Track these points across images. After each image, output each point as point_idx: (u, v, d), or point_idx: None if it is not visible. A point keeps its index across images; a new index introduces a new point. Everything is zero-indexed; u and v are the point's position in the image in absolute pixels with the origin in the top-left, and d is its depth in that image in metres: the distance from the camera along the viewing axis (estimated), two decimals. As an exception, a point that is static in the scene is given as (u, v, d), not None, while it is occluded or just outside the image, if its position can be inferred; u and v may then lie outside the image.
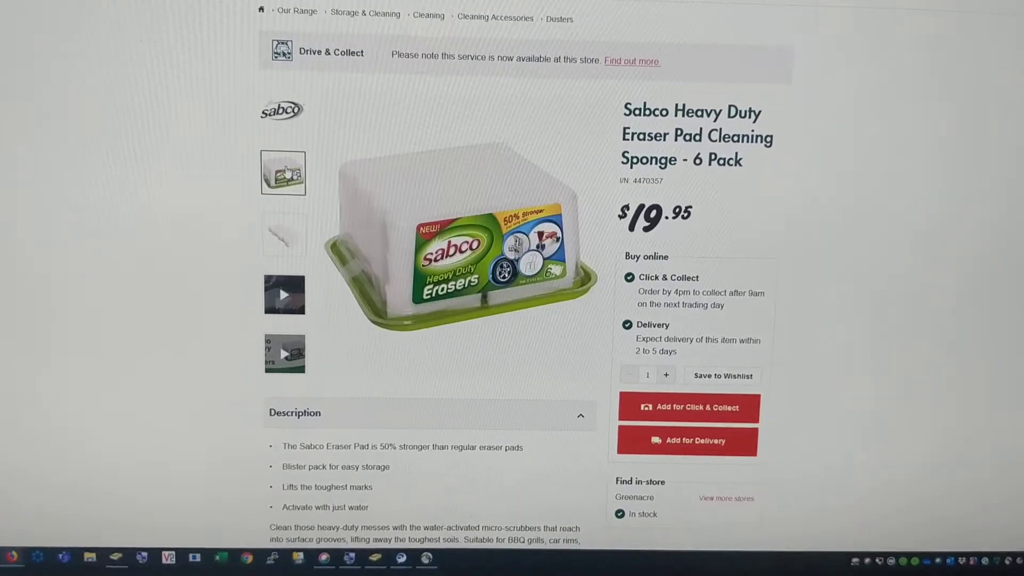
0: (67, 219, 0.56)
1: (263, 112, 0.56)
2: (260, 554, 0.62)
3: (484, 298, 0.60)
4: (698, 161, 0.58)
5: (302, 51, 0.55)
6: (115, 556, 0.61)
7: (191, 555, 0.62)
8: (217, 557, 0.62)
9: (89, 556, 0.61)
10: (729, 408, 0.61)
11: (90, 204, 0.56)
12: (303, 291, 0.58)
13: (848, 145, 0.58)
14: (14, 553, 0.61)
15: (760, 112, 0.58)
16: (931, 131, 0.58)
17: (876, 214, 0.59)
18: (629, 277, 0.59)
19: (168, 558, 0.62)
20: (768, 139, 0.58)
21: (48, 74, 0.55)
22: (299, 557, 0.62)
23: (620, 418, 0.61)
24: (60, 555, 0.61)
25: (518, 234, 0.59)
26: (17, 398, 0.58)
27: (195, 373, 0.59)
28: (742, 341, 0.60)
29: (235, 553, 0.62)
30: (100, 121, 0.55)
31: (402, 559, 0.63)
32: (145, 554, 0.61)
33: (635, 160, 0.58)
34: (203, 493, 0.61)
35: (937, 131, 0.58)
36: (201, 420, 0.59)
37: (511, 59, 0.56)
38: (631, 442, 0.62)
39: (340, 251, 0.59)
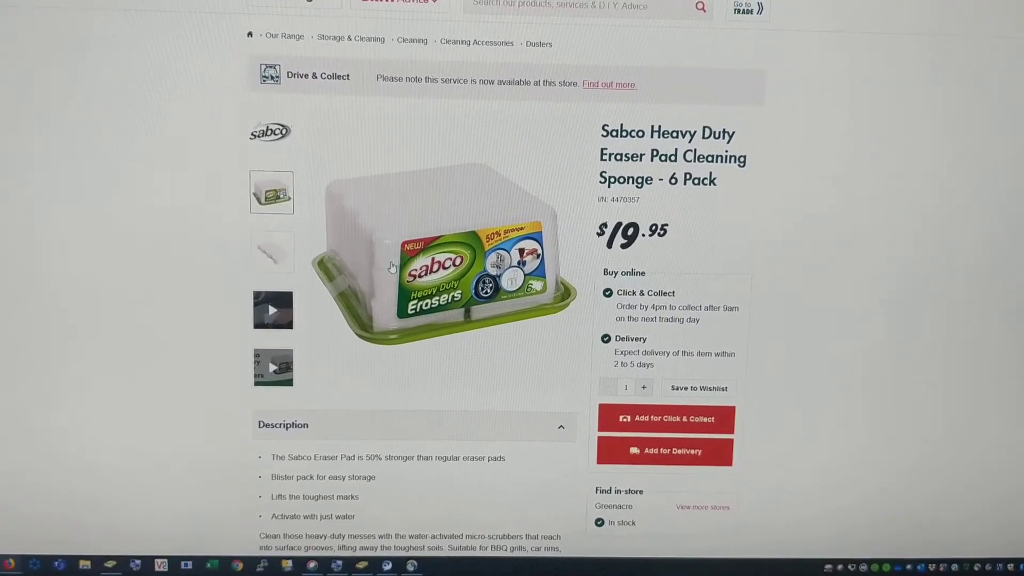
0: (61, 233, 0.58)
1: (252, 133, 0.58)
2: (250, 561, 0.64)
3: (467, 313, 0.61)
4: (674, 181, 0.60)
5: (290, 75, 0.57)
6: (109, 564, 0.63)
7: (183, 562, 0.63)
8: (208, 564, 0.63)
9: (84, 564, 0.63)
10: (705, 419, 0.63)
11: (84, 219, 0.58)
12: (291, 306, 0.60)
13: (819, 165, 0.60)
14: (11, 560, 0.62)
15: (734, 133, 0.59)
16: (902, 151, 0.60)
17: (847, 231, 0.61)
18: (607, 293, 0.61)
19: (161, 565, 0.63)
20: (741, 159, 0.59)
21: (42, 93, 0.56)
22: (288, 564, 0.64)
23: (599, 429, 0.63)
24: (56, 563, 0.63)
25: (500, 251, 0.61)
26: (12, 408, 0.60)
27: (187, 386, 0.60)
28: (717, 355, 0.62)
29: (226, 560, 0.63)
30: (93, 142, 0.57)
31: (388, 567, 0.64)
32: (138, 562, 0.63)
33: (613, 180, 0.59)
34: (194, 502, 0.62)
35: (908, 151, 0.60)
36: (193, 431, 0.61)
37: (492, 82, 0.58)
38: (610, 453, 0.63)
39: (327, 267, 0.60)
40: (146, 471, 0.62)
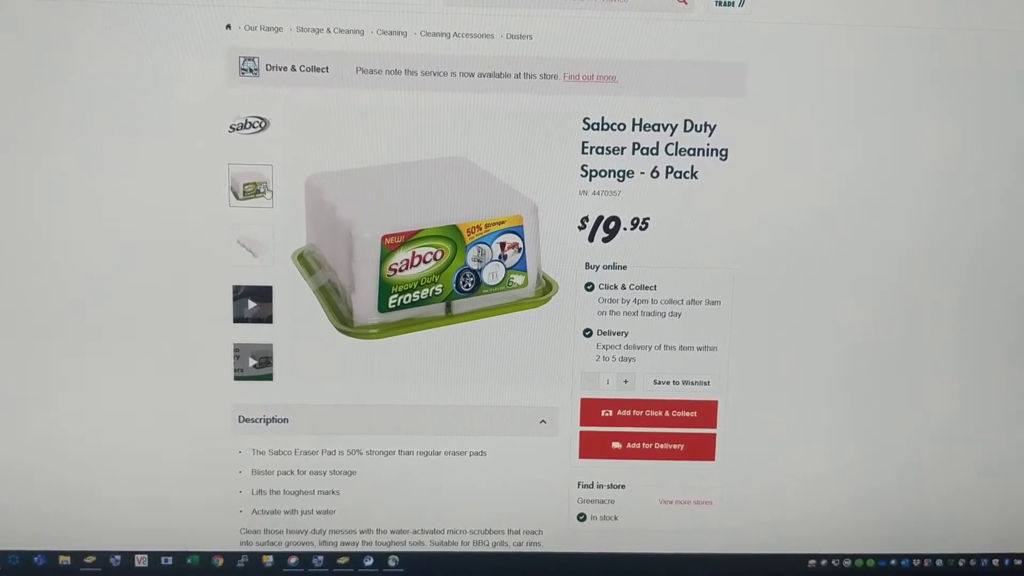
0: (37, 229, 0.58)
1: (231, 127, 0.57)
2: (230, 557, 0.63)
3: (448, 307, 0.61)
4: (655, 174, 0.59)
5: (268, 67, 0.57)
6: (89, 559, 0.63)
7: (163, 558, 0.63)
8: (188, 560, 0.63)
9: (64, 559, 0.62)
10: (687, 414, 0.63)
11: (60, 214, 0.57)
12: (271, 301, 0.60)
13: (801, 158, 0.59)
14: (-10, 557, 0.62)
15: (715, 126, 0.59)
16: (886, 144, 0.60)
17: (829, 225, 0.60)
18: (589, 286, 0.61)
19: (141, 561, 0.63)
20: (723, 152, 0.59)
21: (14, 89, 0.56)
22: (268, 560, 0.64)
23: (581, 424, 0.63)
24: (35, 558, 0.62)
25: (481, 245, 0.60)
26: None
27: (166, 380, 0.60)
28: (699, 349, 0.62)
29: (206, 556, 0.63)
30: (70, 135, 0.57)
31: (369, 562, 0.64)
32: (118, 557, 0.63)
33: (594, 173, 0.59)
34: (175, 497, 0.62)
35: (893, 145, 0.60)
36: (172, 426, 0.61)
37: (472, 75, 0.58)
38: (592, 447, 0.63)
39: (307, 261, 0.60)
40: (126, 466, 0.61)
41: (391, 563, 0.64)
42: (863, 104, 0.59)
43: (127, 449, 0.61)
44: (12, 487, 0.61)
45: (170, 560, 0.63)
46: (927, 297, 0.62)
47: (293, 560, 0.64)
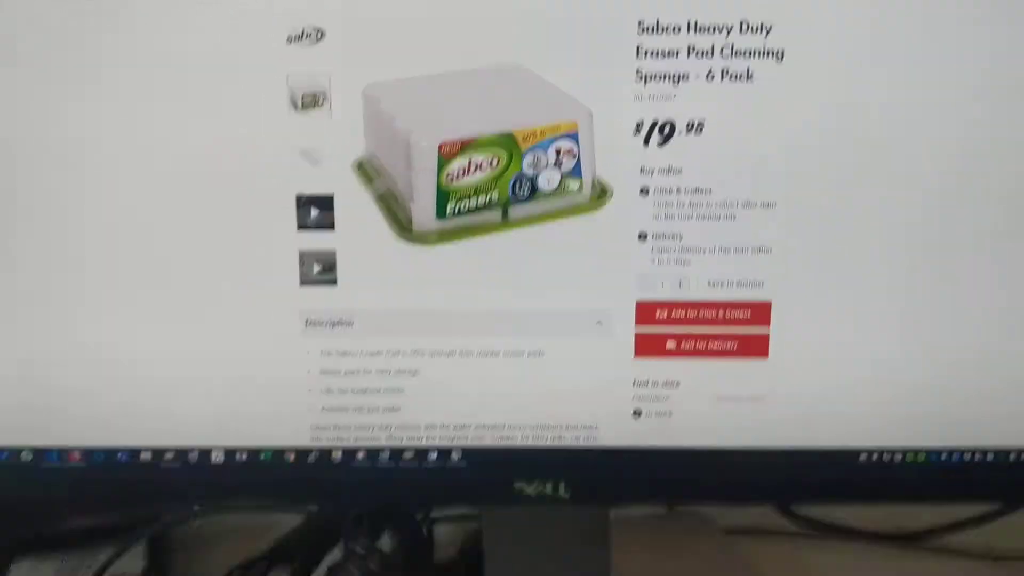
0: (107, 144, 0.59)
1: (289, 38, 0.58)
2: (302, 453, 0.66)
3: (505, 213, 0.62)
4: (710, 77, 0.59)
5: (324, -23, 0.57)
6: (168, 455, 0.66)
7: (238, 454, 0.66)
8: (262, 456, 0.66)
9: (145, 456, 0.66)
10: (741, 314, 0.64)
11: (129, 131, 0.59)
12: (332, 209, 0.61)
13: (861, 62, 0.59)
14: (77, 453, 0.66)
15: (771, 27, 0.58)
16: (951, 51, 0.59)
17: (887, 125, 0.60)
18: (644, 191, 0.61)
19: (217, 457, 0.66)
20: (780, 54, 0.59)
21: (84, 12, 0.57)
22: (338, 455, 0.67)
23: (637, 324, 0.64)
24: (119, 455, 0.66)
25: (536, 151, 0.61)
26: (69, 322, 0.63)
27: (235, 288, 0.62)
28: (753, 251, 0.62)
29: (278, 452, 0.66)
30: (133, 54, 0.58)
31: (433, 456, 0.67)
32: (196, 453, 0.66)
33: (648, 78, 0.59)
34: (248, 398, 0.65)
35: (961, 52, 0.59)
36: (243, 332, 0.63)
37: (527, -20, 0.57)
38: (647, 347, 0.64)
39: (366, 170, 0.61)
40: (202, 373, 0.64)
41: (454, 457, 0.67)
42: (932, 6, 0.58)
43: (204, 356, 0.64)
44: (97, 397, 0.64)
45: (244, 456, 0.66)
46: (975, 191, 0.61)
47: (361, 455, 0.67)
